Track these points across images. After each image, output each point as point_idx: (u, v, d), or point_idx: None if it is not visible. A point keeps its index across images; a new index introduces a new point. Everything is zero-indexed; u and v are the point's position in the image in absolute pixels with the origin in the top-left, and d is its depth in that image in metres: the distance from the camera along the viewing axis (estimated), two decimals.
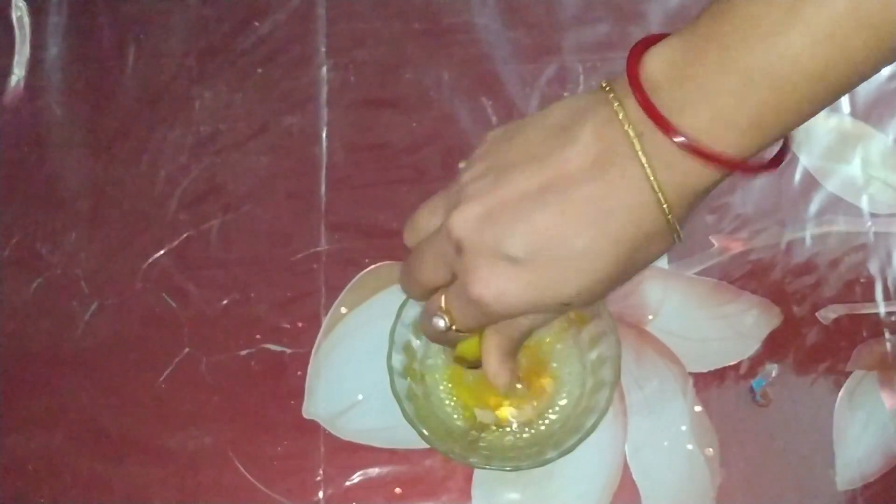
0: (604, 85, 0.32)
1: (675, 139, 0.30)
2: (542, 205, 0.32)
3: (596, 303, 0.36)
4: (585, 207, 0.31)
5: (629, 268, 0.33)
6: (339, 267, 0.53)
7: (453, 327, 0.36)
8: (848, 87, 0.30)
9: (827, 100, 0.30)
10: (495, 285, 0.33)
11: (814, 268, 0.53)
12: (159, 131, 0.57)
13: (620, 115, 0.31)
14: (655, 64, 0.31)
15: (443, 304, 0.36)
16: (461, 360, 0.42)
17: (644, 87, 0.30)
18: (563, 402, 0.48)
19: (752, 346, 0.51)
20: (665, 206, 0.31)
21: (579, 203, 0.31)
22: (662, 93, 0.30)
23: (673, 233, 0.32)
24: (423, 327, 0.39)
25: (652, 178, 0.30)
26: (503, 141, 0.35)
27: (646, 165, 0.30)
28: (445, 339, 0.38)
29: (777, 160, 0.32)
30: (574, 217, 0.31)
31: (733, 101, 0.29)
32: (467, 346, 0.40)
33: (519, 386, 0.48)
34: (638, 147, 0.30)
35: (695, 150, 0.30)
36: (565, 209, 0.31)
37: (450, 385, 0.49)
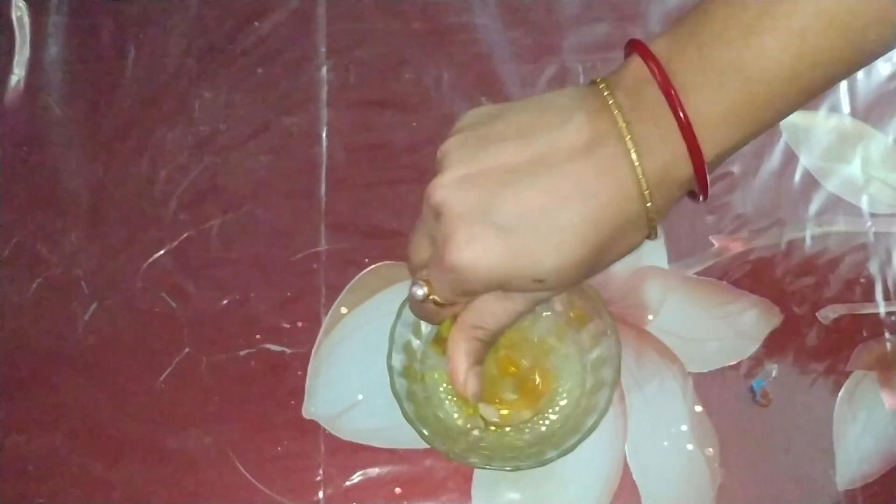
0: (597, 80, 0.33)
1: (678, 112, 0.31)
2: (531, 176, 0.32)
3: (561, 290, 0.35)
4: (572, 185, 0.32)
5: (605, 254, 0.33)
6: (339, 267, 0.54)
7: (431, 297, 0.36)
8: (821, 86, 0.31)
9: (799, 99, 0.31)
10: (472, 249, 0.33)
11: (814, 268, 0.53)
12: (159, 131, 0.57)
13: (611, 102, 0.32)
14: (654, 51, 0.32)
15: (424, 274, 0.36)
16: (439, 344, 0.41)
17: (652, 65, 0.31)
18: (563, 402, 0.48)
19: (752, 346, 0.51)
20: (646, 191, 0.32)
21: (567, 180, 0.32)
22: (651, 85, 0.31)
23: (650, 224, 0.33)
24: (409, 303, 0.38)
25: (637, 163, 0.31)
26: (488, 116, 0.35)
27: (632, 150, 0.31)
28: (426, 313, 0.37)
29: (703, 194, 0.33)
30: (560, 193, 0.32)
31: (708, 96, 0.31)
32: (445, 328, 0.39)
33: (514, 396, 0.48)
34: (626, 133, 0.31)
35: (687, 130, 0.31)
36: (552, 184, 0.32)
37: (450, 385, 0.49)
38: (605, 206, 0.32)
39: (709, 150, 0.31)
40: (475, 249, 0.32)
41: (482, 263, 0.33)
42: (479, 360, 0.37)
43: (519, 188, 0.32)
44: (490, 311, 0.36)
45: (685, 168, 0.32)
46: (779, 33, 0.30)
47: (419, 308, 0.37)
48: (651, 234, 0.34)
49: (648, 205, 0.32)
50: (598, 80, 0.33)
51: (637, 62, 0.32)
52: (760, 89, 0.31)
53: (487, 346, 0.37)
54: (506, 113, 0.34)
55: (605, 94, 0.32)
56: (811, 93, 0.31)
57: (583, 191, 0.32)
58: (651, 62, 0.31)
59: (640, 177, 0.31)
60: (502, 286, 0.34)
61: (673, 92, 0.31)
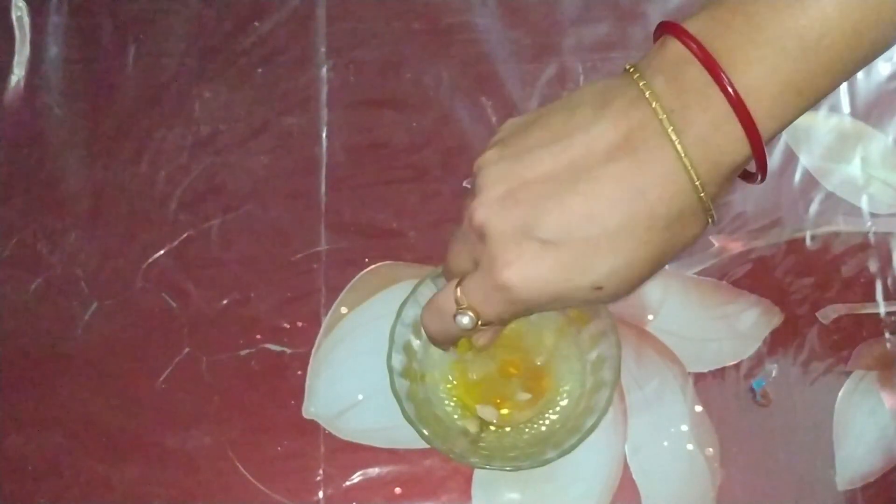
0: (628, 68, 0.31)
1: (728, 89, 0.29)
2: (571, 184, 0.31)
3: (626, 294, 0.33)
4: (616, 186, 0.30)
5: (665, 250, 0.32)
6: (339, 267, 0.53)
7: (479, 322, 0.34)
8: (880, 48, 0.29)
9: (858, 63, 0.30)
10: (523, 268, 0.31)
11: (814, 268, 0.53)
12: (159, 131, 0.57)
13: (647, 94, 0.30)
14: (692, 31, 0.30)
15: (460, 301, 0.34)
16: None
17: (689, 42, 0.29)
18: (564, 402, 0.48)
19: (752, 346, 0.51)
20: (697, 182, 0.30)
21: (610, 182, 0.30)
22: (692, 66, 0.30)
23: (706, 212, 0.31)
24: (433, 325, 0.37)
25: (683, 155, 0.30)
26: (520, 127, 0.34)
27: (676, 142, 0.30)
28: (459, 336, 0.37)
29: (762, 175, 0.32)
30: (605, 196, 0.30)
31: (764, 70, 0.29)
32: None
33: (528, 396, 0.48)
34: (667, 124, 0.30)
35: (739, 108, 0.29)
36: (596, 188, 0.30)
37: (450, 385, 0.49)
38: (654, 203, 0.30)
39: (766, 127, 0.30)
40: (526, 268, 0.31)
41: (535, 282, 0.32)
42: (504, 322, 0.36)
43: (562, 198, 0.31)
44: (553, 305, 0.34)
45: (741, 150, 0.30)
46: None
47: (446, 334, 0.37)
48: (710, 221, 0.32)
49: (702, 195, 0.30)
50: (630, 68, 0.31)
51: (672, 44, 0.30)
52: (820, 56, 0.29)
53: (518, 317, 0.36)
54: (540, 118, 0.33)
55: (640, 82, 0.30)
56: (872, 55, 0.30)
57: (628, 191, 0.30)
58: (688, 39, 0.29)
59: (689, 167, 0.30)
60: (559, 300, 0.33)
61: (718, 69, 0.29)
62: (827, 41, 0.28)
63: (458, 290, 0.35)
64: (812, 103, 0.30)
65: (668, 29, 0.30)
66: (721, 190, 0.31)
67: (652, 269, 0.32)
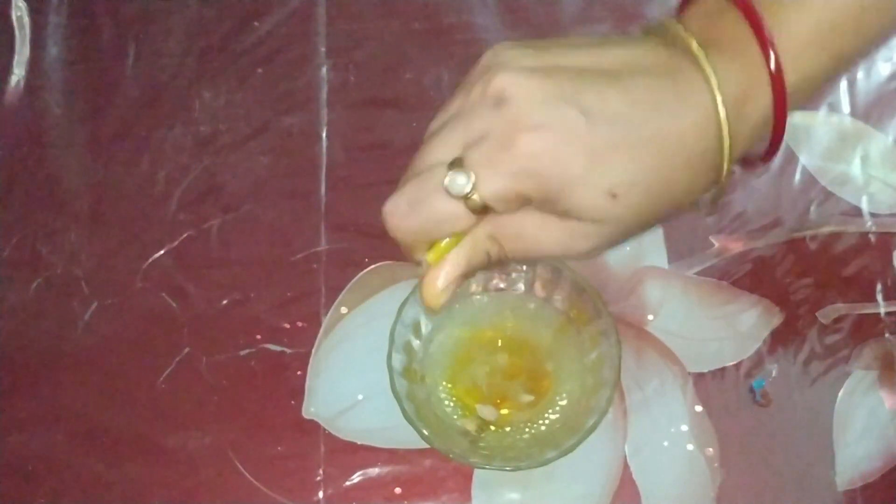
0: (662, 19, 0.31)
1: (764, 31, 0.29)
2: (609, 82, 0.29)
3: (632, 222, 0.30)
4: (654, 99, 0.29)
5: (681, 189, 0.30)
6: (339, 267, 0.53)
7: (472, 193, 0.29)
8: None
9: (885, 24, 0.30)
10: (554, 134, 0.28)
11: (814, 268, 0.53)
12: (159, 131, 0.57)
13: (684, 32, 0.30)
14: None
15: (461, 164, 0.29)
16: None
17: None
18: (563, 402, 0.48)
19: (752, 346, 0.51)
20: (726, 128, 0.29)
21: (648, 93, 0.29)
22: (729, 12, 0.30)
23: (723, 165, 0.30)
24: (406, 206, 0.32)
25: (716, 88, 0.29)
26: (528, 43, 0.31)
27: (711, 77, 0.29)
28: (436, 222, 0.31)
29: (772, 152, 0.32)
30: (644, 102, 0.29)
31: (793, 14, 0.29)
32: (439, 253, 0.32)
33: (530, 397, 0.48)
34: (704, 60, 0.29)
35: (766, 47, 0.29)
36: (635, 92, 0.29)
37: (450, 385, 0.49)
38: (685, 130, 0.29)
39: (792, 78, 0.29)
40: (555, 135, 0.28)
41: (560, 153, 0.28)
42: (470, 273, 0.32)
43: (600, 88, 0.28)
44: (526, 232, 0.30)
45: (764, 100, 0.30)
46: None
47: (422, 216, 0.31)
48: (717, 183, 0.31)
49: (726, 143, 0.29)
50: (663, 20, 0.31)
51: None
52: (848, 4, 0.29)
53: (486, 267, 0.32)
54: (553, 42, 0.31)
55: (678, 24, 0.30)
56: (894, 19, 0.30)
57: (665, 107, 0.29)
58: None
59: (720, 106, 0.29)
60: (571, 191, 0.28)
61: (754, 10, 0.29)
62: None
63: (465, 154, 0.29)
64: (837, 64, 0.30)
65: None
66: (740, 145, 0.30)
67: (664, 205, 0.30)
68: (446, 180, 0.29)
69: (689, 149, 0.29)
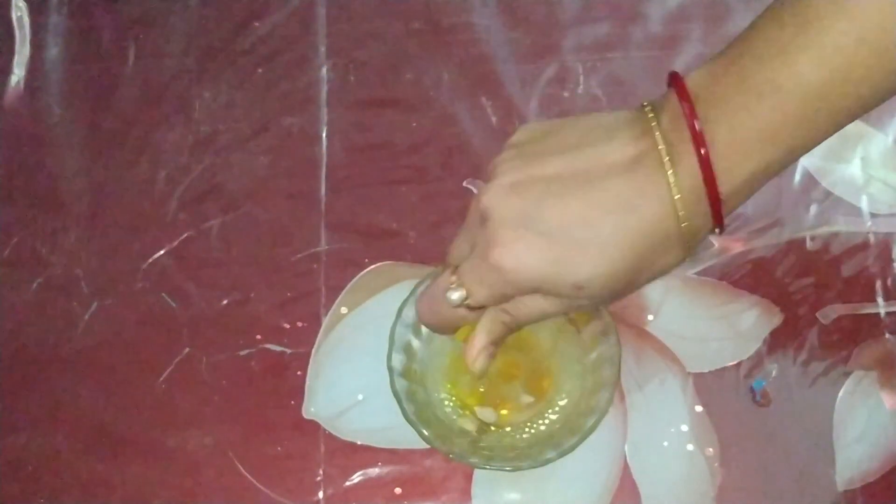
0: (644, 104, 0.35)
1: (700, 150, 0.32)
2: (574, 188, 0.34)
3: (602, 300, 0.36)
4: (613, 199, 0.33)
5: (642, 270, 0.35)
6: (339, 267, 0.54)
7: (467, 301, 0.37)
8: (852, 109, 0.32)
9: (829, 122, 0.32)
10: (516, 252, 0.34)
11: (814, 268, 0.53)
12: (159, 131, 0.57)
13: (654, 125, 0.33)
14: (693, 82, 0.33)
15: (454, 279, 0.37)
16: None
17: (683, 103, 0.33)
18: (563, 402, 0.48)
19: (752, 346, 0.51)
20: (681, 212, 0.33)
21: (609, 194, 0.33)
22: (698, 107, 0.33)
23: (685, 245, 0.34)
24: (427, 309, 0.39)
25: (672, 184, 0.33)
26: (537, 133, 0.37)
27: (669, 171, 0.33)
28: (446, 320, 0.39)
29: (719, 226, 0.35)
30: (602, 206, 0.33)
31: (747, 115, 0.32)
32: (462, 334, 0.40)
33: (531, 399, 0.48)
34: (665, 154, 0.33)
35: (705, 165, 0.32)
36: (595, 197, 0.34)
37: (450, 385, 0.49)
38: (643, 221, 0.33)
39: (733, 178, 0.33)
40: (518, 251, 0.34)
41: (524, 265, 0.34)
42: (495, 342, 0.39)
43: (563, 199, 0.34)
44: (524, 303, 0.37)
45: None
46: (812, 51, 0.31)
47: (439, 316, 0.39)
48: (686, 257, 0.35)
49: (683, 225, 0.33)
50: (646, 104, 0.35)
51: (688, 83, 0.34)
52: (792, 107, 0.31)
53: (509, 332, 0.39)
54: (555, 130, 0.36)
55: (650, 116, 0.34)
56: (840, 116, 0.32)
57: (623, 206, 0.33)
58: (682, 98, 0.33)
59: (676, 196, 0.33)
60: (541, 289, 0.35)
61: (697, 128, 0.32)
62: (800, 91, 0.31)
63: (453, 274, 0.37)
64: (781, 159, 0.33)
65: (672, 80, 0.34)
66: (700, 228, 0.34)
67: (627, 285, 0.35)
68: (447, 295, 0.37)
69: (649, 237, 0.33)
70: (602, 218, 0.33)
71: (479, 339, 0.39)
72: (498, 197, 0.35)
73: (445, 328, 0.40)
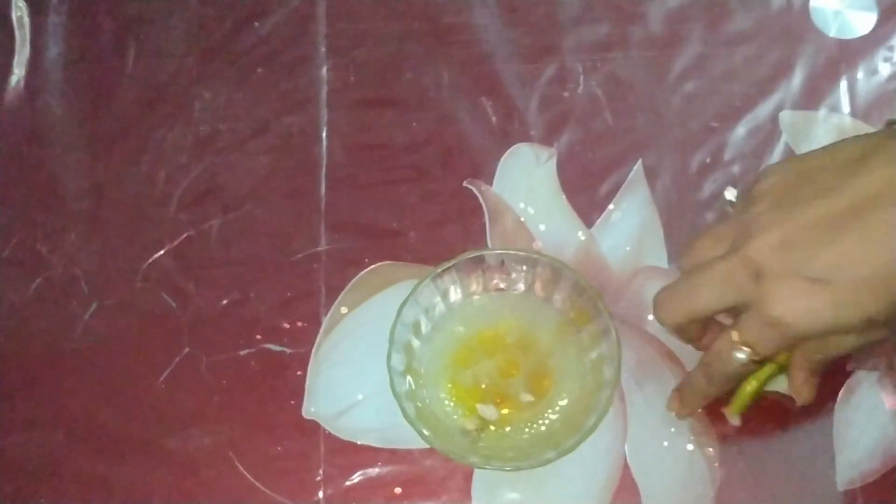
0: (889, 120, 0.35)
1: None
2: (842, 229, 0.35)
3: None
4: (883, 231, 0.34)
5: None
6: (339, 267, 0.53)
7: (754, 358, 0.39)
8: None
9: None
10: (797, 305, 0.35)
11: None
12: (159, 131, 0.57)
13: None
14: None
15: (736, 338, 0.39)
16: (739, 402, 0.45)
17: None
18: (563, 402, 0.48)
19: None
20: None
21: (877, 227, 0.34)
22: None
23: None
24: (710, 370, 0.42)
25: None
26: (789, 177, 0.38)
27: None
28: (737, 375, 0.41)
29: None
30: (873, 240, 0.34)
31: None
32: (756, 378, 0.44)
33: (531, 398, 0.48)
34: None
35: None
36: (864, 233, 0.35)
37: (450, 385, 0.49)
38: None
39: None
40: (800, 305, 0.35)
41: (808, 317, 0.36)
42: (815, 374, 0.41)
43: (835, 242, 0.35)
44: (826, 346, 0.38)
45: None
46: None
47: (724, 375, 0.41)
48: None
49: None
50: (893, 122, 0.35)
51: None
52: None
53: (823, 365, 0.41)
54: (806, 172, 0.37)
55: None
56: None
57: (893, 237, 0.34)
58: None
59: None
60: (832, 332, 0.36)
61: None
62: None
63: (734, 331, 0.39)
64: None
65: None
66: None
67: None
68: (734, 356, 0.39)
69: None
70: (877, 253, 0.34)
71: (799, 375, 0.41)
72: (771, 254, 0.36)
73: (730, 383, 0.43)
